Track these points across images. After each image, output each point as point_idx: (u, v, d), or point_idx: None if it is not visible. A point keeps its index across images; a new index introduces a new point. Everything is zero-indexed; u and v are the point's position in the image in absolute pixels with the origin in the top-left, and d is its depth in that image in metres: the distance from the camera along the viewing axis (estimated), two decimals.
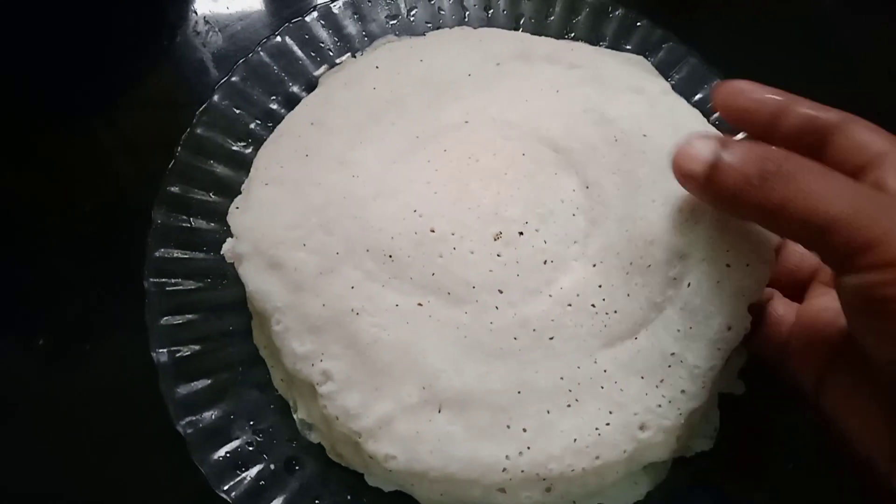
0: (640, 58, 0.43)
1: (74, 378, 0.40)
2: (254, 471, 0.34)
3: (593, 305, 0.33)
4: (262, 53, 0.43)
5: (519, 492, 0.31)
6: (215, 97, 0.41)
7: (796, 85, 0.30)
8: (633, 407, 0.32)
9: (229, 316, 0.38)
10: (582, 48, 0.42)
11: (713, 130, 0.37)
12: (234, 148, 0.41)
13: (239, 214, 0.36)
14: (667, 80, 0.43)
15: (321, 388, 0.32)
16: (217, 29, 0.50)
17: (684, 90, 0.43)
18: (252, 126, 0.42)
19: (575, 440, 0.31)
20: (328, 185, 0.35)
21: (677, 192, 0.31)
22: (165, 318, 0.36)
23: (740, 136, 0.31)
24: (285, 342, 0.33)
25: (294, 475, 0.34)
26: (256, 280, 0.34)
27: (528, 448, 0.31)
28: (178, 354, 0.36)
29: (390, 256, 0.33)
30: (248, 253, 0.34)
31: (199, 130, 0.41)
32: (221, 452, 0.34)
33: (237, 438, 0.35)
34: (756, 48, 0.51)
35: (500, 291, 0.33)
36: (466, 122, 0.37)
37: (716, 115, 0.42)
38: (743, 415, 0.35)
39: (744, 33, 0.51)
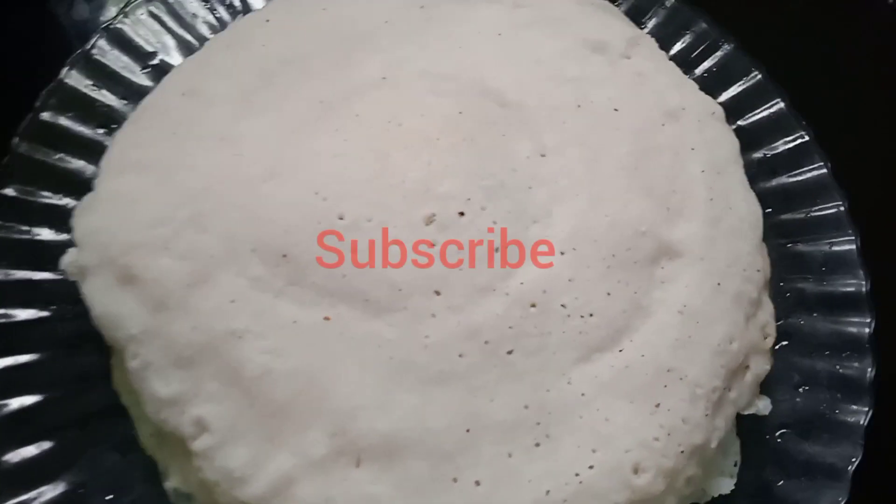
0: (604, 2, 0.39)
1: None
2: None
3: (563, 306, 0.28)
4: (127, 20, 0.38)
5: None
6: (67, 72, 0.36)
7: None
8: (622, 442, 0.27)
9: (82, 354, 0.32)
10: None
11: (692, 94, 0.35)
12: (94, 136, 0.36)
13: (84, 215, 0.30)
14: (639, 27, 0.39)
15: (195, 444, 0.26)
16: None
17: (661, 39, 0.39)
18: (116, 106, 0.37)
19: (548, 492, 0.26)
20: (204, 168, 0.30)
21: (668, 181, 0.31)
22: None
23: None
24: (145, 382, 0.27)
25: None
26: (104, 300, 0.28)
27: None
28: (6, 409, 0.29)
29: (284, 256, 0.28)
30: (93, 265, 0.29)
31: (44, 116, 0.36)
32: None
33: None
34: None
35: (438, 293, 0.28)
36: (384, 78, 0.33)
37: (702, 67, 0.40)
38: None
39: None
